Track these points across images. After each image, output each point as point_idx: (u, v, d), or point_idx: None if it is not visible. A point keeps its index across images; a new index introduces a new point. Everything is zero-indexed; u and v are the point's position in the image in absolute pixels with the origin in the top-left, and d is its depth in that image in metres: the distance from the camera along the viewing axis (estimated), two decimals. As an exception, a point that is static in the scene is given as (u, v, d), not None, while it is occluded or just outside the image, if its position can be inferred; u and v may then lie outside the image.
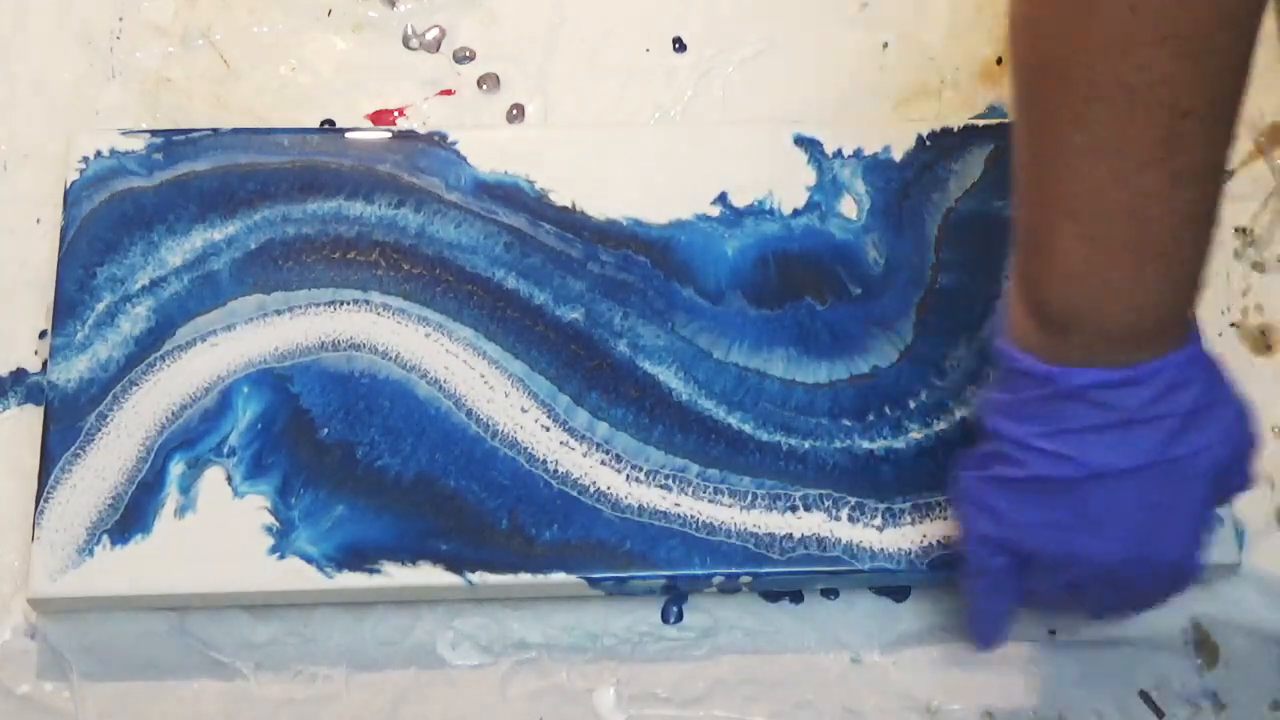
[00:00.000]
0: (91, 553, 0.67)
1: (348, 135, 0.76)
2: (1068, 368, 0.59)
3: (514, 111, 0.79)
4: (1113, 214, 0.57)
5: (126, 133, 0.75)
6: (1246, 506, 0.72)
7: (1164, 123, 0.55)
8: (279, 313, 0.72)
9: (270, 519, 0.68)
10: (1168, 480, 0.60)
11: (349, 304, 0.72)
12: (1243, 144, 0.79)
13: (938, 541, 0.69)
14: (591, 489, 0.69)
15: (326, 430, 0.70)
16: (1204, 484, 0.61)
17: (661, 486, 0.70)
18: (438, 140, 0.76)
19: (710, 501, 0.70)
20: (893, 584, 0.70)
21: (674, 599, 0.70)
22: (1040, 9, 0.56)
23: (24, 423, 0.72)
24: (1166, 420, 0.59)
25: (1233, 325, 0.76)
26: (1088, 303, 0.58)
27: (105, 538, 0.68)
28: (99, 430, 0.69)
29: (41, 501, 0.68)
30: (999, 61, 0.81)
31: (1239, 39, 0.55)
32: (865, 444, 0.71)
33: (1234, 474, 0.62)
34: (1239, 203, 0.78)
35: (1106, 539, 0.61)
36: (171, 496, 0.68)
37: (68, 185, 0.74)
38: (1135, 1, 0.53)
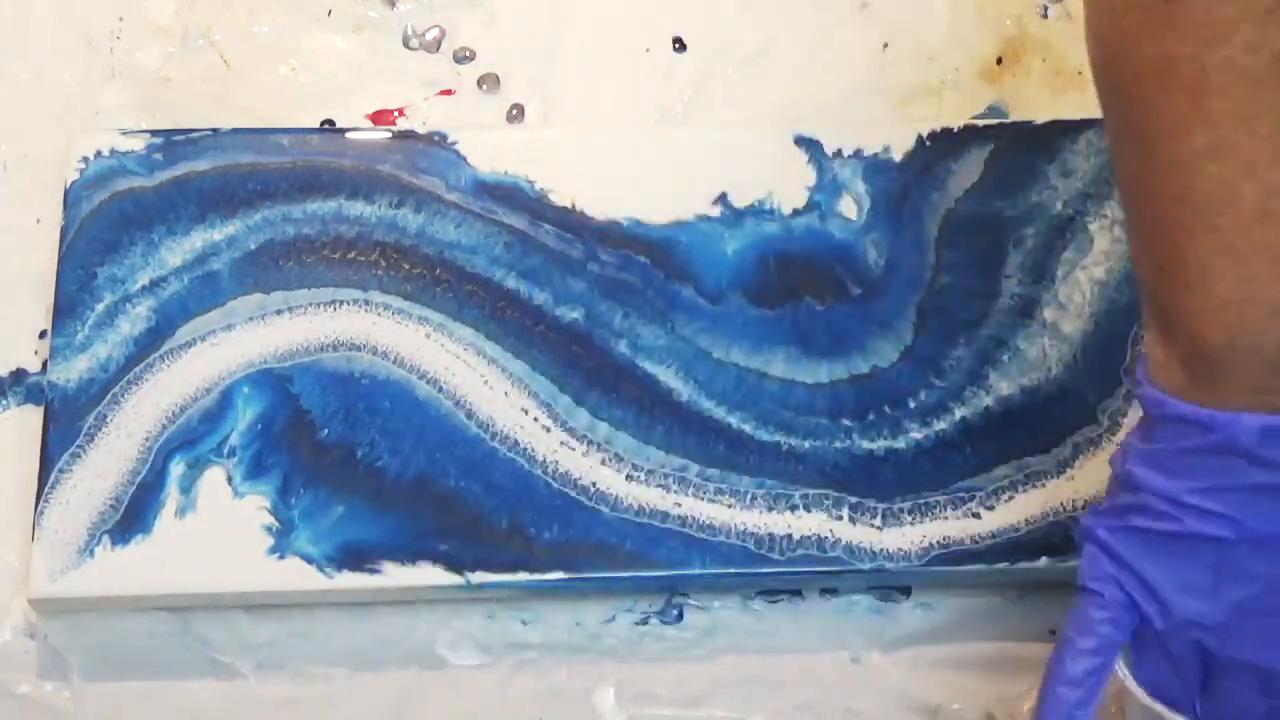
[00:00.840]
0: (92, 553, 0.67)
1: (348, 135, 0.76)
2: (1227, 412, 0.50)
3: (514, 111, 0.79)
4: (1248, 218, 0.49)
5: (126, 133, 0.75)
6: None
7: None
8: (279, 313, 0.72)
9: (270, 519, 0.68)
10: None
11: (349, 304, 0.72)
12: (1243, 144, 0.79)
13: (938, 542, 0.69)
14: (591, 489, 0.69)
15: (326, 431, 0.70)
16: None
17: (661, 486, 0.70)
18: (438, 140, 0.76)
19: (710, 501, 0.70)
20: (893, 584, 0.70)
21: (674, 599, 0.70)
22: (1122, 14, 0.50)
23: (24, 423, 0.71)
24: None
25: (1233, 325, 0.76)
26: (1240, 328, 0.49)
27: (105, 538, 0.67)
28: (99, 430, 0.69)
29: (41, 501, 0.68)
30: (999, 61, 0.81)
31: None
32: (865, 444, 0.71)
33: None
34: (1239, 203, 0.78)
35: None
36: (172, 496, 0.68)
37: (68, 185, 0.74)
38: None
